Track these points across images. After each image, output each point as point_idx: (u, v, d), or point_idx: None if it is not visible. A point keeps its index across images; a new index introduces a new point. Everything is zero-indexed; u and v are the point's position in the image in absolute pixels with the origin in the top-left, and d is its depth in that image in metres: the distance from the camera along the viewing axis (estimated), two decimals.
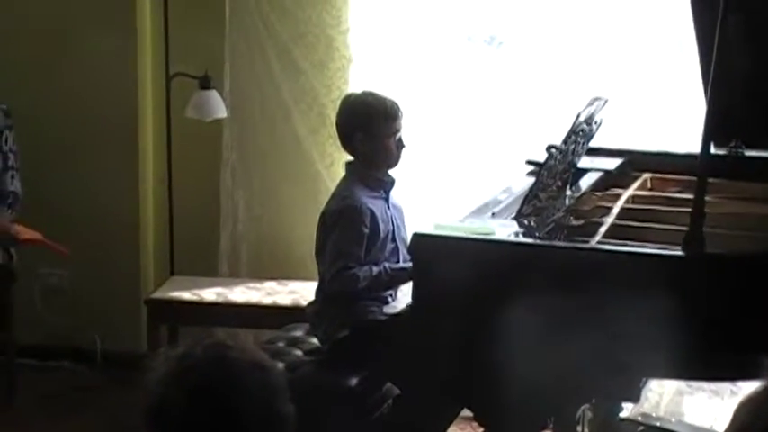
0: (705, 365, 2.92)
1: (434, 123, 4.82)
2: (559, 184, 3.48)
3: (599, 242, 3.14)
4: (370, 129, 3.75)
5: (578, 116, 3.43)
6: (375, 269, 3.64)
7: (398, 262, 3.77)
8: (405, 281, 3.58)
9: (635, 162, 3.94)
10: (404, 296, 3.56)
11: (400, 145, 3.79)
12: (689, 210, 2.95)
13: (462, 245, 3.05)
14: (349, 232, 3.67)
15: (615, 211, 3.44)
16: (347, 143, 3.84)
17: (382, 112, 3.75)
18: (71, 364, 5.12)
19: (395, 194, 3.88)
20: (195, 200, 4.99)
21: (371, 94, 3.84)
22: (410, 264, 3.47)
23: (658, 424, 4.01)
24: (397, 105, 3.78)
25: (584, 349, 2.77)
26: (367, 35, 4.73)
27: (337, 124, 3.87)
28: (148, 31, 4.95)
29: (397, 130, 3.77)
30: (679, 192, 3.70)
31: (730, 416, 1.65)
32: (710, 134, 2.94)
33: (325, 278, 3.73)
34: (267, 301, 4.53)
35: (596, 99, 3.59)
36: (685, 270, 2.90)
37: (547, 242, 3.13)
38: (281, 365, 1.93)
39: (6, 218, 4.60)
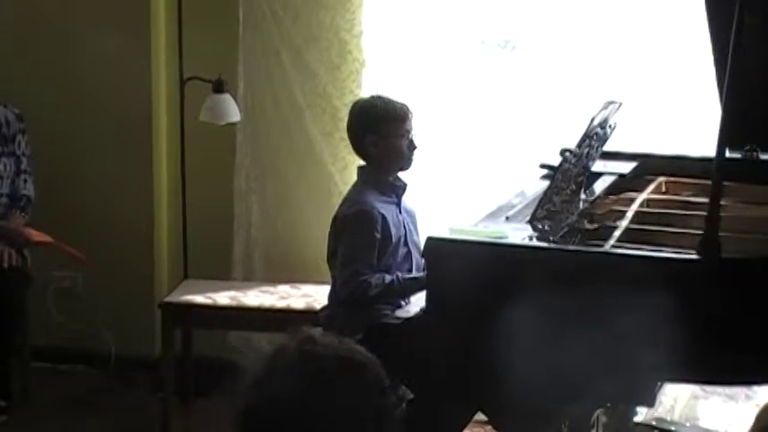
0: (719, 369, 2.91)
1: (448, 127, 4.81)
2: (573, 187, 3.47)
3: (613, 246, 3.13)
4: (380, 131, 3.75)
5: (592, 120, 3.43)
6: (387, 278, 3.63)
7: (411, 267, 3.77)
8: (416, 291, 3.57)
9: (649, 165, 3.93)
10: (417, 300, 3.55)
11: (412, 146, 3.78)
12: (704, 213, 2.94)
13: (476, 248, 3.04)
14: (361, 237, 3.67)
15: (629, 214, 3.43)
16: (359, 147, 3.84)
17: (391, 113, 3.75)
18: (84, 368, 5.12)
19: (406, 199, 3.88)
20: (209, 203, 4.99)
21: (380, 98, 3.85)
22: (422, 274, 3.47)
23: (673, 428, 4.01)
24: (406, 107, 3.78)
25: (597, 352, 2.76)
26: (380, 38, 4.73)
27: (348, 129, 3.87)
28: (162, 34, 4.96)
29: (408, 131, 3.77)
30: (694, 195, 3.69)
31: (752, 419, 1.65)
32: (725, 137, 2.92)
33: (337, 283, 3.73)
34: (281, 304, 4.53)
35: (610, 103, 3.58)
36: (701, 274, 2.89)
37: (561, 246, 3.12)
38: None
39: (20, 221, 4.61)
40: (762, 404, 1.65)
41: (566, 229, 3.25)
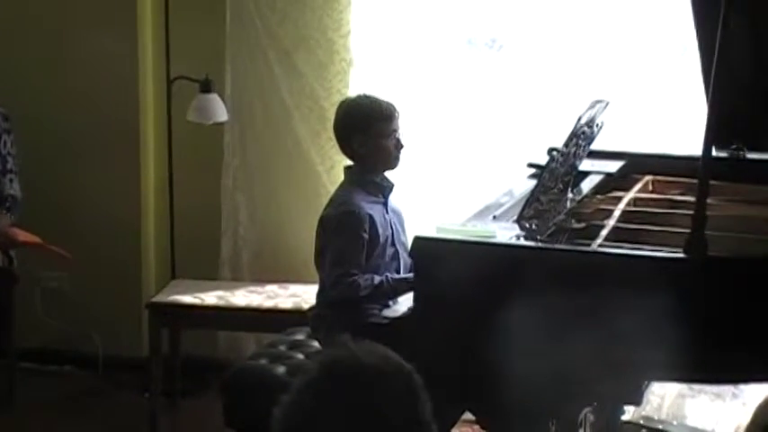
0: (706, 367, 2.91)
1: (435, 126, 4.82)
2: (561, 186, 3.47)
3: (600, 245, 3.13)
4: (367, 130, 3.74)
5: (579, 119, 3.43)
6: (377, 278, 3.63)
7: (399, 267, 3.76)
8: (406, 291, 3.56)
9: (636, 164, 3.93)
10: (405, 299, 3.55)
11: (399, 145, 3.78)
12: (691, 212, 2.94)
13: (464, 248, 3.04)
14: (348, 238, 3.66)
15: (617, 213, 3.43)
16: (345, 147, 3.83)
17: (378, 112, 3.74)
18: (72, 369, 5.11)
19: (393, 199, 3.87)
20: (196, 203, 4.98)
21: (367, 97, 3.83)
22: (411, 275, 3.46)
23: (660, 427, 4.01)
24: (392, 106, 3.78)
25: (584, 351, 2.77)
26: (368, 38, 4.73)
27: (335, 129, 3.86)
28: (149, 34, 4.95)
29: (395, 131, 3.76)
30: (681, 194, 3.70)
31: (746, 416, 1.65)
32: (712, 136, 2.93)
33: (326, 284, 3.72)
34: (268, 304, 4.52)
35: (597, 102, 3.58)
36: (688, 273, 2.89)
37: (548, 245, 3.12)
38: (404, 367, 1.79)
39: (5, 221, 4.60)
40: (760, 401, 1.65)
41: (553, 228, 3.25)
